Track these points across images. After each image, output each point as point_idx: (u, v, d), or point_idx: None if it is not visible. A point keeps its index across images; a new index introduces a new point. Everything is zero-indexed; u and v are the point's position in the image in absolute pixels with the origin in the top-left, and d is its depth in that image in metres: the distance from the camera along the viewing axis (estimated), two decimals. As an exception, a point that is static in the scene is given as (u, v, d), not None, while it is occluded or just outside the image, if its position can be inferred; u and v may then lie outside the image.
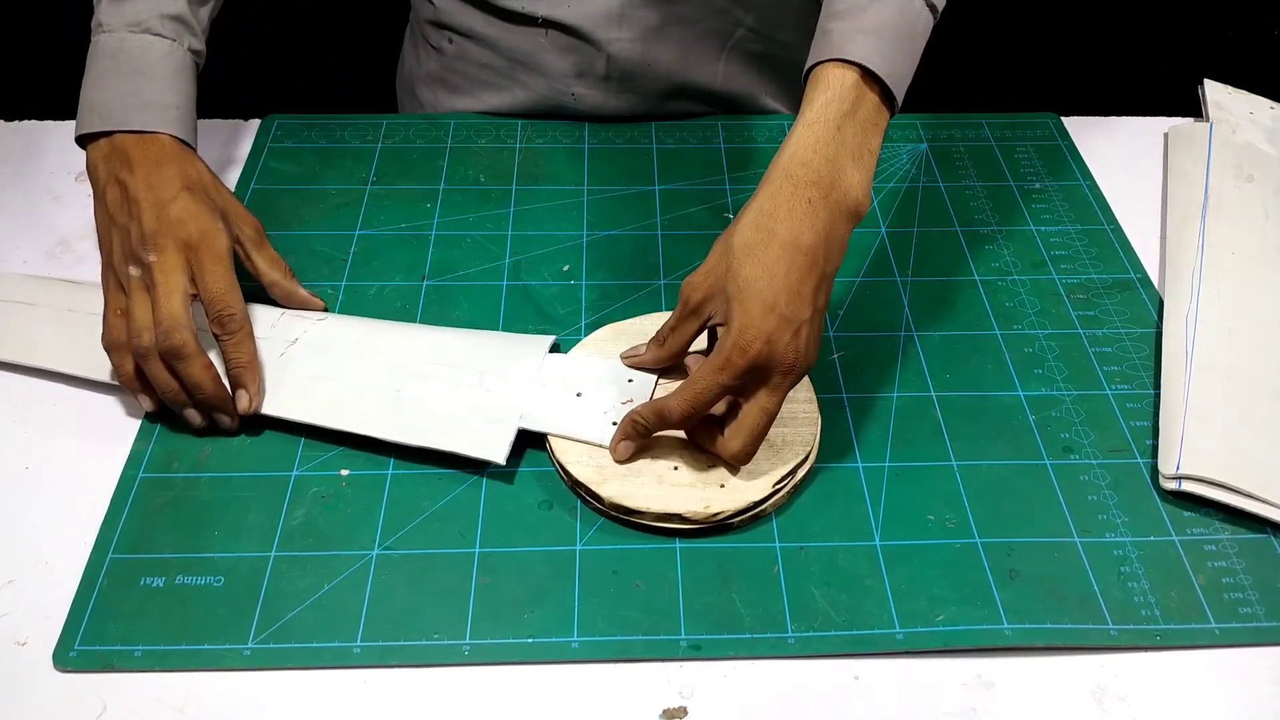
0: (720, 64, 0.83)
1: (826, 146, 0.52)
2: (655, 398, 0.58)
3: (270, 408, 0.58)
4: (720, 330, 0.53)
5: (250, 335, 0.59)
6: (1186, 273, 0.69)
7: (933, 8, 0.57)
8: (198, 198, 0.60)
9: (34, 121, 0.83)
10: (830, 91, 0.53)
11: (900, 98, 0.55)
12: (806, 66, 0.55)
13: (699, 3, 0.79)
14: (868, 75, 0.53)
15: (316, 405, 0.59)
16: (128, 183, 0.60)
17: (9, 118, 0.83)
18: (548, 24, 0.78)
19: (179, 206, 0.59)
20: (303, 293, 0.64)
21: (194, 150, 0.64)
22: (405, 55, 0.93)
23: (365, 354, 0.61)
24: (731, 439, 0.54)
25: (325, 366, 0.61)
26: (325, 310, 0.65)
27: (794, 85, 0.85)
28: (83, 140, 0.63)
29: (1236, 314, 0.66)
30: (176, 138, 0.62)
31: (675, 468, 0.56)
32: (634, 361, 0.60)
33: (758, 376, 0.52)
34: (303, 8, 1.40)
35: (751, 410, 0.53)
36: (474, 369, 0.60)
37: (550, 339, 0.63)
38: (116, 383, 0.59)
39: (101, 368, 0.60)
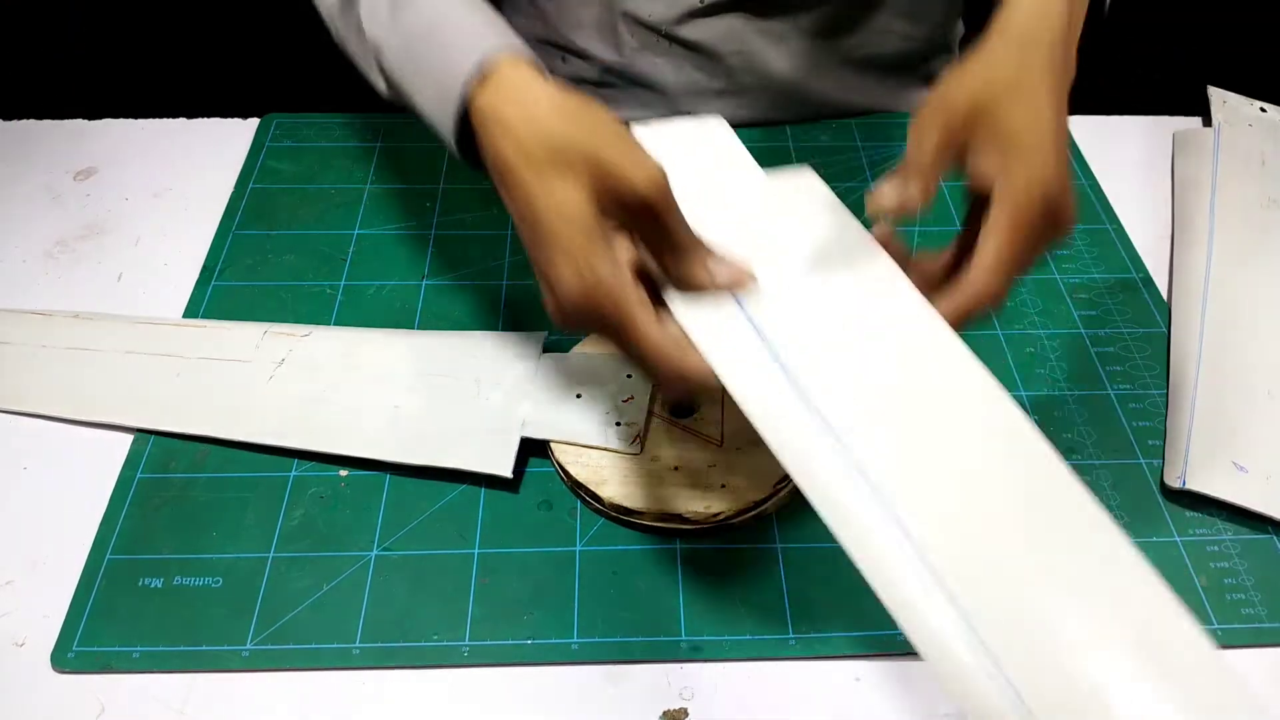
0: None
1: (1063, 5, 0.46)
2: (955, 291, 0.45)
3: (266, 436, 0.58)
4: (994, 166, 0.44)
5: None
6: (1195, 281, 0.68)
7: None
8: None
9: (34, 121, 0.83)
10: None
11: None
12: None
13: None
14: None
15: (313, 430, 0.58)
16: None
17: (8, 118, 0.83)
18: (670, 38, 0.79)
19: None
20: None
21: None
22: None
23: (355, 370, 0.61)
24: (1000, 280, 0.44)
25: (317, 388, 0.60)
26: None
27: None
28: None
29: (1246, 324, 0.65)
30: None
31: (675, 468, 0.56)
32: (887, 205, 0.45)
33: (1043, 240, 0.45)
34: (303, 7, 1.40)
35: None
36: (469, 377, 0.60)
37: (542, 336, 0.62)
38: (105, 423, 0.59)
39: (86, 408, 0.59)
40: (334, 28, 0.59)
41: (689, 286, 0.44)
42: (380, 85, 0.54)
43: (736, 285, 0.45)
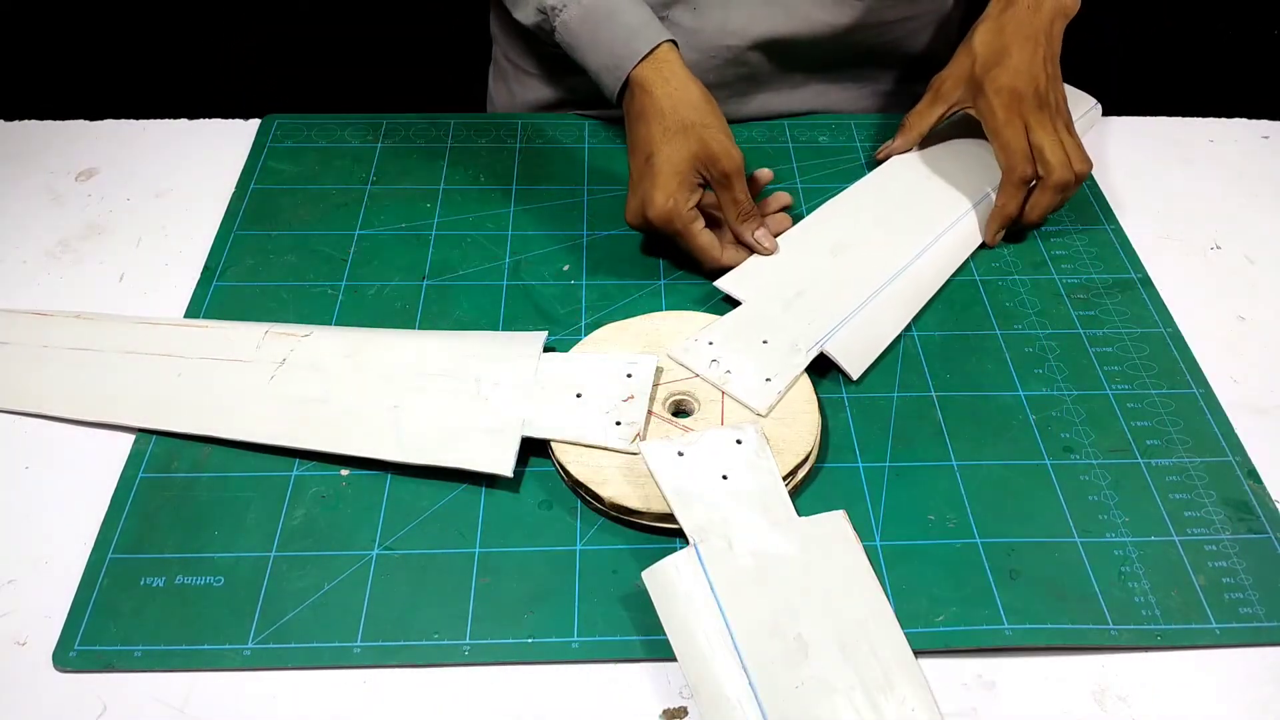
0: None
1: None
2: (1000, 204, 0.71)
3: (267, 435, 0.58)
4: (980, 107, 0.70)
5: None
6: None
7: None
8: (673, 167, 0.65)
9: (34, 121, 0.83)
10: None
11: None
12: None
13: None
14: None
15: (314, 430, 0.58)
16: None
17: (9, 118, 0.83)
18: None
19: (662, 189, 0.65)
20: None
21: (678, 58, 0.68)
22: (495, 93, 0.92)
23: (356, 370, 0.61)
24: (1071, 160, 0.69)
25: (318, 387, 0.60)
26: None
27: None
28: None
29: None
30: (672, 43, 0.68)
31: (675, 467, 0.56)
32: (886, 150, 0.77)
33: (1039, 113, 0.68)
34: (303, 7, 1.40)
35: (1062, 132, 0.69)
36: (469, 376, 0.60)
37: (542, 336, 0.62)
38: (106, 422, 0.59)
39: (88, 407, 0.59)
40: None
41: (739, 234, 0.68)
42: (530, 19, 0.73)
43: (768, 246, 0.68)
